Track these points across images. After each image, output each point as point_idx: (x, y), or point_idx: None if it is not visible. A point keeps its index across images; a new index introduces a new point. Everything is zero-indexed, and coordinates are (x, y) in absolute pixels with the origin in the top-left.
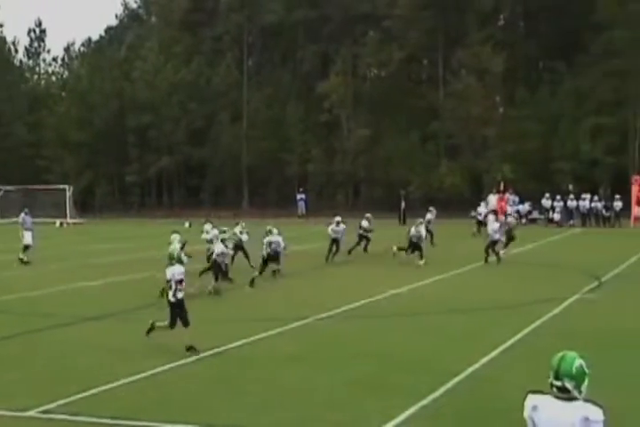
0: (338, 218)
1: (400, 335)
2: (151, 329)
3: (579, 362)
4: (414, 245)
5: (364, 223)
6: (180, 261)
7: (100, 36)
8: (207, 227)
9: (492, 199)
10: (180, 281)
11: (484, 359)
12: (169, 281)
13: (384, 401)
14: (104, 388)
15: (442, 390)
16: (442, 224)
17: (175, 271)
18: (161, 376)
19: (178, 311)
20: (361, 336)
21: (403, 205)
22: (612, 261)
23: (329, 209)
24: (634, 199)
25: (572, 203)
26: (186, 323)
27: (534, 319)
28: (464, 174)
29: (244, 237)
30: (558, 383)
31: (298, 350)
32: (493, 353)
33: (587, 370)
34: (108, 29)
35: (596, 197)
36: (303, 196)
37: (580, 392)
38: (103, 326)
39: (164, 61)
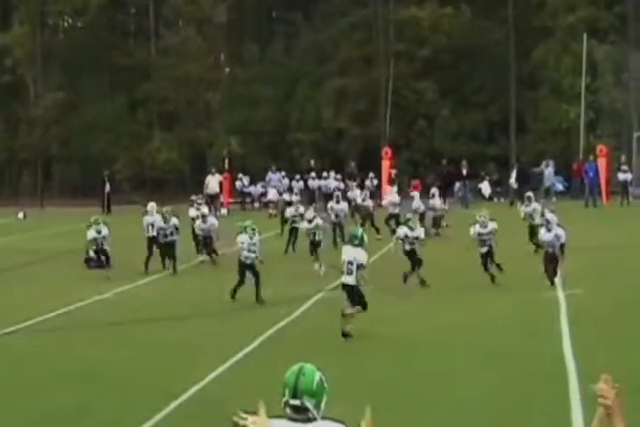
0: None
1: (107, 350)
2: None
3: (318, 376)
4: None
5: None
6: None
7: None
8: None
9: (212, 181)
10: None
11: (211, 376)
12: None
13: None
14: None
15: (157, 417)
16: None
17: None
18: None
19: None
20: (58, 353)
21: (107, 188)
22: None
23: (12, 195)
24: (385, 177)
25: (313, 182)
26: None
27: (271, 324)
28: (182, 149)
29: None
30: (296, 403)
31: None
32: (222, 367)
33: (326, 385)
34: None
35: (334, 174)
36: None
37: (319, 411)
38: None
39: None
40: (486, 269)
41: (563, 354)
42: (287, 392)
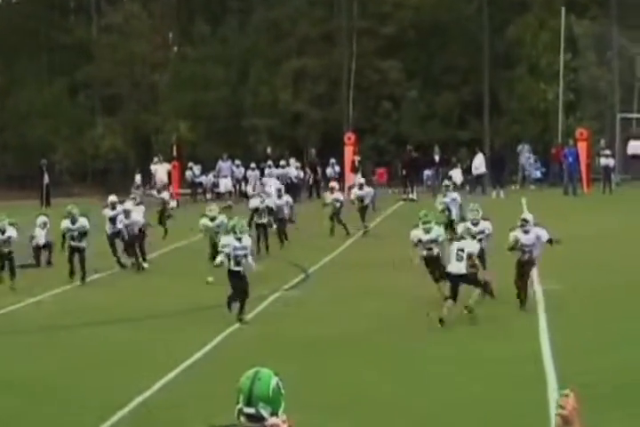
0: None
1: (46, 358)
2: None
3: (275, 381)
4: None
5: None
6: None
7: None
8: None
9: (160, 170)
10: None
11: (160, 383)
12: None
13: None
14: None
15: None
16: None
17: None
18: None
19: None
20: None
21: (46, 179)
22: (324, 248)
23: None
24: (347, 164)
25: (270, 171)
26: None
27: (224, 327)
28: (127, 135)
29: None
30: (250, 411)
31: None
32: (171, 374)
33: (283, 391)
34: None
35: (294, 162)
36: None
37: None
38: None
39: None
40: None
41: (541, 354)
42: (241, 399)
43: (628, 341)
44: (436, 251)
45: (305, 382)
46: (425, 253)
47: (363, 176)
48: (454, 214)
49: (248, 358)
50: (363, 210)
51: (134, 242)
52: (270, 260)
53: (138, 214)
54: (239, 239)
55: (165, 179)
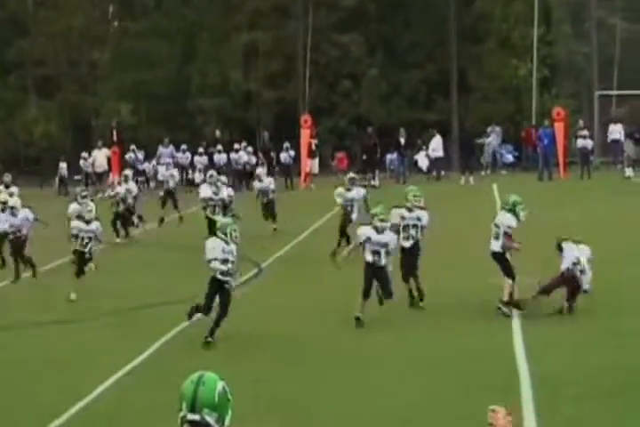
0: None
1: None
2: None
3: (221, 386)
4: None
5: None
6: None
7: None
8: None
9: (100, 157)
10: None
11: (98, 390)
12: None
13: None
14: None
15: None
16: (29, 195)
17: None
18: None
19: None
20: None
21: None
22: (278, 240)
23: None
24: (304, 148)
25: (220, 156)
26: None
27: (170, 327)
28: (63, 119)
29: None
30: (195, 417)
31: None
32: (111, 380)
33: (230, 396)
34: None
35: (246, 146)
36: None
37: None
38: None
39: None
40: (406, 279)
41: (514, 353)
42: (185, 406)
43: (604, 337)
44: (383, 261)
45: (254, 385)
46: (371, 258)
47: (321, 161)
48: (354, 214)
49: (194, 360)
50: (266, 207)
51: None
52: None
53: (26, 211)
54: (227, 243)
55: (106, 165)
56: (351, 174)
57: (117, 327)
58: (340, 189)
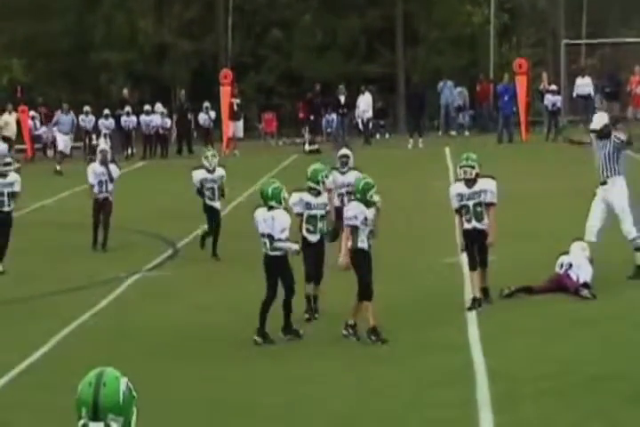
0: None
1: None
2: None
3: (124, 384)
4: None
5: None
6: None
7: None
8: None
9: (12, 121)
10: None
11: None
12: None
13: None
14: None
15: None
16: None
17: None
18: None
19: None
20: None
21: None
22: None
23: None
24: (224, 109)
25: (129, 119)
26: None
27: (69, 319)
28: None
29: None
30: (99, 426)
31: None
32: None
33: (135, 393)
34: None
35: (159, 107)
36: None
37: None
38: None
39: None
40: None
41: (469, 345)
42: (84, 412)
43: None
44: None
45: (164, 388)
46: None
47: (246, 123)
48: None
49: (96, 357)
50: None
51: None
52: (128, 232)
53: None
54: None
55: (15, 130)
56: (345, 150)
57: (9, 319)
58: (336, 174)
